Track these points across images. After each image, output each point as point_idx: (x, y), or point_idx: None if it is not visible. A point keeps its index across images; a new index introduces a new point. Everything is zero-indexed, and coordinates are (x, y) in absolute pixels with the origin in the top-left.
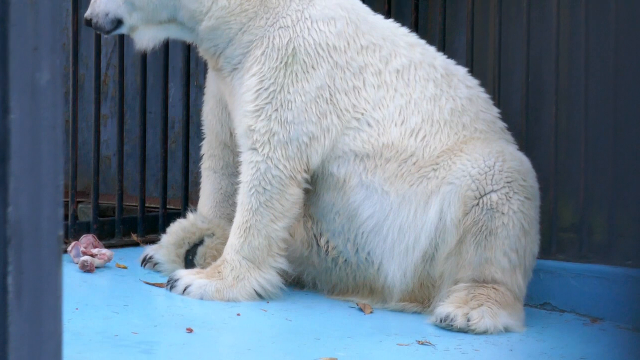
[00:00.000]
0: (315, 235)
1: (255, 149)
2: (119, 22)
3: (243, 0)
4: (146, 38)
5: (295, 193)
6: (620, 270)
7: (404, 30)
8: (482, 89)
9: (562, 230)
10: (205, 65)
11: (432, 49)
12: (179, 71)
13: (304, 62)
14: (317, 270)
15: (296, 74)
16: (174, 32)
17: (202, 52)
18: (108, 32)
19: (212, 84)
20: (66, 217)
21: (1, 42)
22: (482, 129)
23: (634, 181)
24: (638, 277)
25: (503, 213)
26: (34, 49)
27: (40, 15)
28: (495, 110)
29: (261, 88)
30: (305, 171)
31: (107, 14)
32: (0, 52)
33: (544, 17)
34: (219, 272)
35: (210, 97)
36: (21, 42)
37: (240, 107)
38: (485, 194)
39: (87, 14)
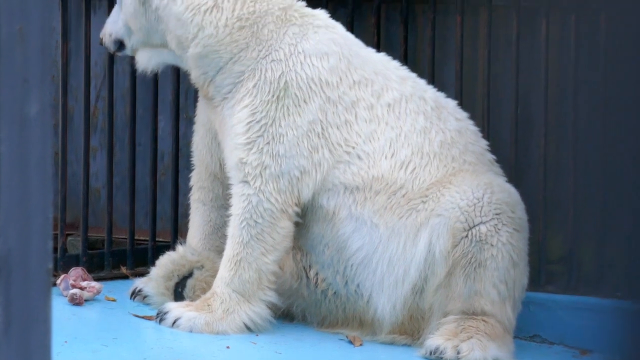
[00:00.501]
0: (304, 268)
1: (246, 181)
2: (121, 44)
3: (233, 30)
4: (145, 60)
5: (286, 226)
6: (609, 302)
7: (396, 63)
8: (471, 122)
9: (551, 261)
10: (195, 97)
11: (422, 82)
12: (169, 104)
13: (296, 96)
14: (306, 303)
15: (288, 107)
16: (168, 57)
17: (193, 79)
18: (114, 52)
19: (202, 114)
20: (55, 249)
21: None
22: (471, 161)
23: (623, 212)
24: (628, 309)
25: (492, 245)
26: (23, 81)
27: (29, 47)
28: (484, 143)
29: (253, 121)
30: (296, 204)
31: (110, 35)
32: None
33: (533, 48)
34: (208, 305)
35: (200, 127)
36: (10, 73)
37: (231, 139)
38: (474, 226)
39: (101, 33)
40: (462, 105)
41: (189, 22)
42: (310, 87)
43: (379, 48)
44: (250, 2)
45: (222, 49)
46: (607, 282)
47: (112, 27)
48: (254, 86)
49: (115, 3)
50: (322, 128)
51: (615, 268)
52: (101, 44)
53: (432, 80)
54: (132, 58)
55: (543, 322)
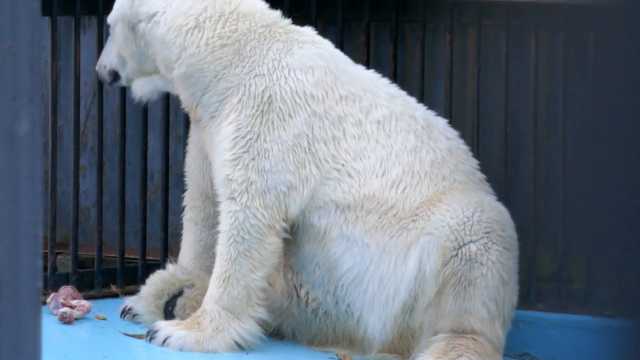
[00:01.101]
0: (295, 287)
1: (233, 198)
2: (116, 75)
3: (215, 48)
4: (139, 89)
5: (274, 242)
6: (599, 320)
7: (385, 81)
8: (461, 141)
9: (540, 279)
10: (185, 115)
11: (412, 100)
12: (158, 122)
13: (281, 110)
14: (296, 321)
15: (272, 122)
16: (160, 84)
17: (183, 102)
18: (110, 84)
19: (194, 134)
20: (45, 268)
21: None
22: (462, 179)
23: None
24: (617, 327)
25: (482, 264)
26: (12, 99)
27: (19, 65)
28: (474, 162)
29: (238, 136)
30: (284, 220)
31: (105, 67)
32: None
33: (522, 66)
34: (198, 324)
35: (192, 147)
36: (0, 91)
37: (219, 156)
38: (464, 245)
39: (96, 66)
40: (452, 123)
41: (172, 44)
42: (295, 101)
43: (368, 66)
44: (232, 20)
45: (205, 67)
46: (597, 300)
47: (106, 58)
48: (239, 101)
49: (105, 24)
50: (309, 143)
51: (605, 285)
52: (99, 77)
53: (422, 98)
54: None
55: (533, 340)
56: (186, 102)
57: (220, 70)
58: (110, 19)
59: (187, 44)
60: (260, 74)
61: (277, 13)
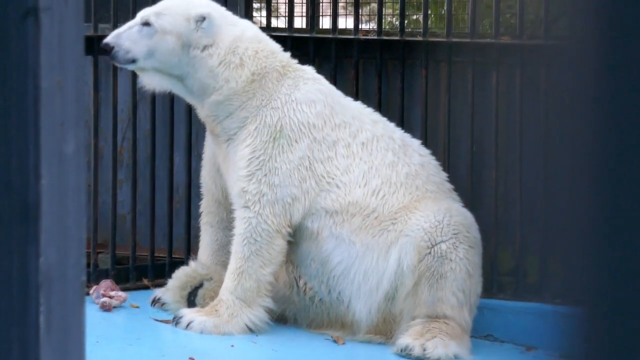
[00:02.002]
0: (295, 278)
1: (247, 207)
2: (133, 61)
3: (247, 83)
4: (153, 82)
5: (280, 244)
6: (550, 307)
7: (370, 110)
8: (433, 157)
9: (501, 274)
10: (205, 136)
11: (392, 125)
12: (183, 144)
13: (289, 137)
14: (297, 308)
15: (282, 146)
16: (177, 89)
17: (202, 117)
18: (120, 65)
19: (208, 150)
20: (88, 265)
21: (34, 119)
22: (433, 189)
23: (561, 232)
24: (565, 313)
25: (451, 260)
26: (60, 125)
27: (66, 96)
28: (444, 175)
29: (253, 157)
30: (289, 226)
31: (127, 52)
32: (33, 127)
33: (485, 97)
34: (216, 310)
35: (207, 162)
36: (50, 118)
37: (235, 172)
38: (435, 244)
39: (111, 42)
40: (426, 144)
41: (219, 75)
42: (301, 130)
43: (357, 96)
44: (262, 58)
45: (235, 98)
46: (548, 290)
47: (131, 45)
48: (255, 129)
49: None
50: (310, 162)
51: (555, 278)
52: (106, 50)
53: (402, 123)
54: (153, 105)
55: (495, 324)
56: (206, 119)
57: (245, 101)
58: (161, 25)
59: (230, 78)
60: (275, 107)
61: (287, 53)
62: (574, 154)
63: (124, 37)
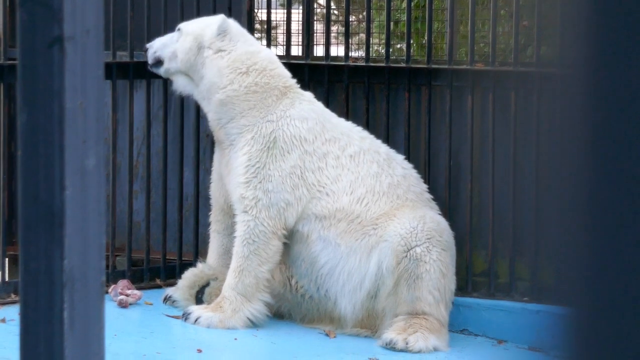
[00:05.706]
0: (288, 277)
1: (246, 211)
2: (159, 62)
3: (248, 92)
4: (179, 85)
5: (276, 244)
6: (519, 304)
7: (358, 128)
8: (414, 170)
9: (475, 275)
10: (211, 154)
11: (378, 141)
12: (192, 159)
13: (282, 147)
14: (291, 304)
15: (275, 155)
16: (195, 93)
17: (210, 122)
18: (150, 67)
19: (216, 164)
20: (107, 266)
21: (59, 137)
22: (412, 198)
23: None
24: (532, 310)
25: (425, 262)
26: (83, 142)
27: (87, 117)
28: (424, 186)
29: (249, 164)
30: (284, 228)
31: (155, 52)
32: (58, 144)
33: (461, 117)
34: (220, 307)
35: (214, 175)
36: (74, 136)
37: (234, 178)
38: (411, 248)
39: (148, 44)
40: (409, 158)
41: (224, 75)
42: (293, 142)
43: (347, 117)
44: (268, 75)
45: (237, 102)
46: (517, 290)
47: (161, 48)
48: (252, 138)
49: (152, 84)
50: (301, 172)
51: (523, 280)
52: (144, 51)
53: (387, 140)
54: (165, 124)
55: (470, 319)
56: (212, 123)
57: (245, 109)
58: (187, 28)
59: (234, 80)
60: (270, 120)
61: (294, 80)
62: (542, 168)
63: (159, 40)
